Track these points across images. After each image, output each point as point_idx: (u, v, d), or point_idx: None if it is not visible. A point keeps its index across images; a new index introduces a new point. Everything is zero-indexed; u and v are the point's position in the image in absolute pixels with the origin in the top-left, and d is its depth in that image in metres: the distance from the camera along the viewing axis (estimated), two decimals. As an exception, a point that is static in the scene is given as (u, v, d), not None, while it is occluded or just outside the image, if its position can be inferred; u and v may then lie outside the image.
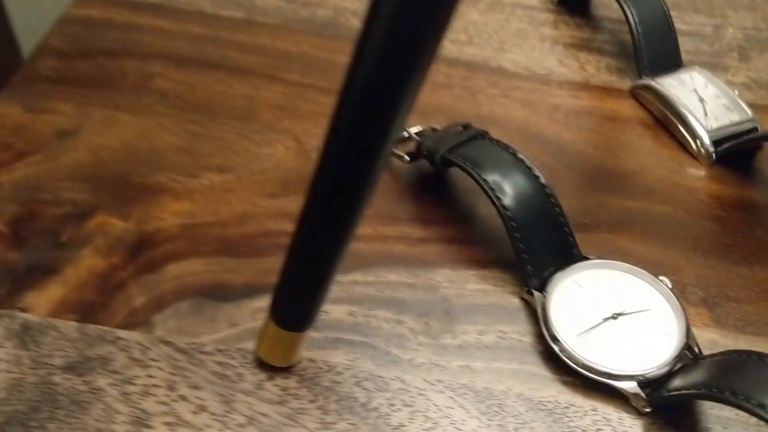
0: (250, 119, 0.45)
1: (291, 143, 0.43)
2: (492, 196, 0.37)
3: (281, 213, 0.40)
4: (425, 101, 0.46)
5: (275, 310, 0.32)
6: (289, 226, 0.39)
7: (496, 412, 0.33)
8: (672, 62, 0.48)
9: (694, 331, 0.36)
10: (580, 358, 0.34)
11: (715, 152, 0.44)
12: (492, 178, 0.37)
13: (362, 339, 0.35)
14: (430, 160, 0.40)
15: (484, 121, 0.45)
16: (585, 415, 0.33)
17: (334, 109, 0.24)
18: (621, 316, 0.36)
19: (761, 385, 0.29)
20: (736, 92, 0.46)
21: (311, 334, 0.35)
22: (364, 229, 0.40)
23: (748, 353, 0.32)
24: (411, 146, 0.43)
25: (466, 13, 0.52)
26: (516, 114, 0.46)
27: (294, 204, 0.39)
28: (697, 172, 0.44)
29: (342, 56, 0.49)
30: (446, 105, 0.46)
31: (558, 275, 0.37)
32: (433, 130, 0.43)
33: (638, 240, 0.40)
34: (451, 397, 0.33)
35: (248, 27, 0.50)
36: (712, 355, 0.34)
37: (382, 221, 0.40)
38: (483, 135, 0.40)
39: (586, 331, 0.35)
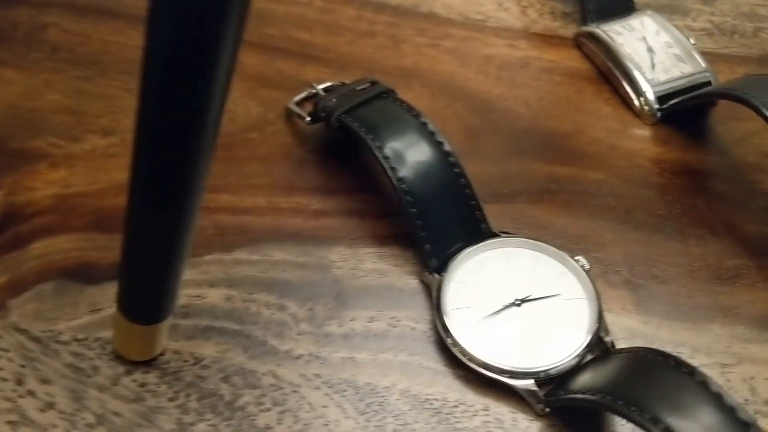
0: (145, 74, 0.40)
1: (187, 102, 0.39)
2: (386, 166, 0.33)
3: (166, 182, 0.36)
4: (343, 51, 0.42)
5: (121, 302, 0.28)
6: (174, 197, 0.36)
7: (375, 411, 0.30)
8: (623, 6, 0.43)
9: (612, 318, 0.32)
10: (470, 351, 0.30)
11: (660, 110, 0.39)
12: (390, 144, 0.33)
13: (237, 327, 0.32)
14: (326, 122, 0.36)
15: (407, 75, 0.41)
16: (475, 415, 0.30)
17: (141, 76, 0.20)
18: (526, 302, 0.32)
19: (660, 395, 0.26)
20: (692, 40, 0.41)
21: (180, 321, 0.32)
22: (256, 199, 0.36)
23: (655, 353, 0.28)
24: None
25: (401, -51, 0.47)
26: (442, 67, 0.42)
27: (182, 171, 0.36)
28: (639, 133, 0.39)
29: (256, 1, 0.44)
30: (366, 56, 0.42)
31: (461, 255, 0.33)
32: (343, 85, 0.39)
33: (561, 211, 0.36)
34: (328, 395, 0.30)
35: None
36: (620, 351, 0.30)
37: (278, 191, 0.36)
38: (387, 94, 0.36)
39: (483, 319, 0.31)
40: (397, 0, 0.45)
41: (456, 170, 0.33)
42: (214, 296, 0.33)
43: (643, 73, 0.39)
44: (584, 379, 0.29)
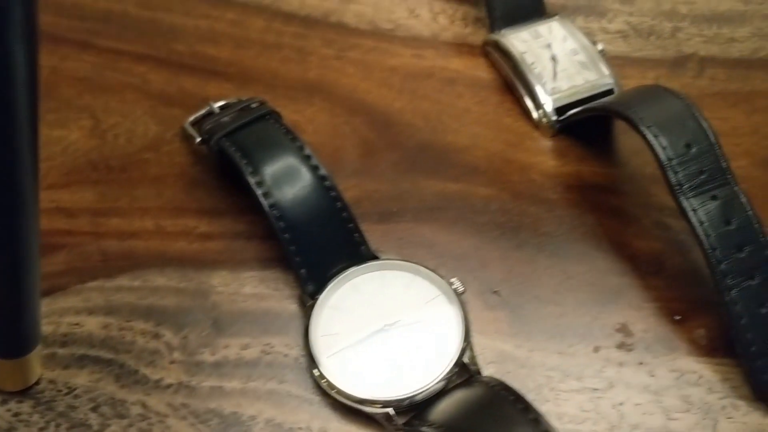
0: (49, 96, 0.41)
1: (87, 122, 0.40)
2: (258, 192, 0.33)
3: (58, 208, 0.37)
4: (248, 65, 0.42)
5: (-18, 339, 0.29)
6: (66, 223, 0.36)
7: (239, 440, 0.30)
8: (532, 11, 0.42)
9: (485, 342, 0.32)
10: (333, 380, 0.30)
11: (558, 121, 0.38)
12: (264, 170, 0.33)
13: (111, 356, 0.32)
14: (207, 145, 0.36)
15: (310, 89, 0.41)
16: (335, 443, 0.30)
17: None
18: (394, 327, 0.32)
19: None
20: (600, 46, 0.40)
21: (57, 350, 0.32)
22: (144, 222, 0.36)
23: (508, 391, 0.28)
24: (211, 125, 0.39)
25: (317, -45, 0.47)
26: (346, 80, 0.41)
27: (76, 196, 0.36)
28: (537, 145, 0.38)
29: (169, 15, 0.44)
30: (271, 70, 0.42)
31: (336, 279, 0.33)
32: (237, 103, 0.39)
33: (447, 230, 0.36)
34: (193, 424, 0.31)
35: (71, -16, 0.45)
36: (481, 380, 0.30)
37: (166, 213, 0.37)
38: (270, 115, 0.36)
39: (351, 346, 0.31)
40: (307, 10, 0.44)
41: (332, 194, 0.33)
42: (93, 324, 0.33)
43: (543, 84, 0.39)
44: (439, 409, 0.29)
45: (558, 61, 0.40)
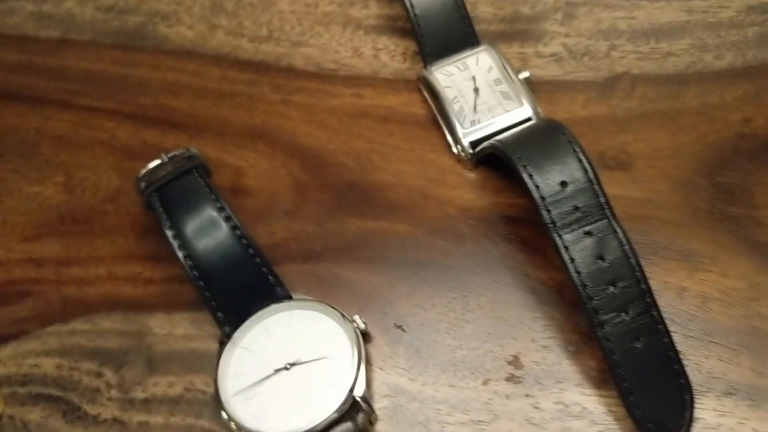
0: (32, 155, 0.46)
1: (60, 178, 0.44)
2: (174, 245, 0.36)
3: (29, 259, 0.41)
4: (202, 115, 0.45)
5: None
6: (34, 273, 0.41)
7: (157, 471, 0.34)
8: (463, 42, 0.43)
9: (382, 376, 0.35)
10: (234, 416, 0.33)
11: (474, 155, 0.39)
12: (182, 223, 0.37)
13: (60, 394, 0.37)
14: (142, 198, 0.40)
15: (255, 135, 0.44)
16: (239, 475, 0.33)
17: None
18: (295, 366, 0.34)
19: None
20: (525, 73, 0.41)
21: (18, 389, 0.37)
22: (98, 270, 0.41)
23: None
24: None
25: (276, 2, 0.49)
26: (288, 123, 0.44)
27: (45, 248, 0.41)
28: (457, 180, 0.40)
29: (140, 70, 0.48)
30: (222, 118, 0.45)
31: (250, 320, 0.36)
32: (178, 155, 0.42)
33: (363, 268, 0.38)
34: (121, 456, 0.35)
35: (59, 48, 0.50)
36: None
37: (117, 261, 0.41)
38: (194, 170, 0.39)
39: (254, 384, 0.34)
40: (261, 56, 0.47)
41: (244, 242, 0.36)
42: (48, 365, 0.38)
43: (463, 117, 0.40)
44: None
45: (480, 94, 0.41)
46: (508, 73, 0.41)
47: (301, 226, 0.40)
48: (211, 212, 0.37)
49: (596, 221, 0.32)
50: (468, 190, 0.39)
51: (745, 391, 0.32)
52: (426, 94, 0.42)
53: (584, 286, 0.31)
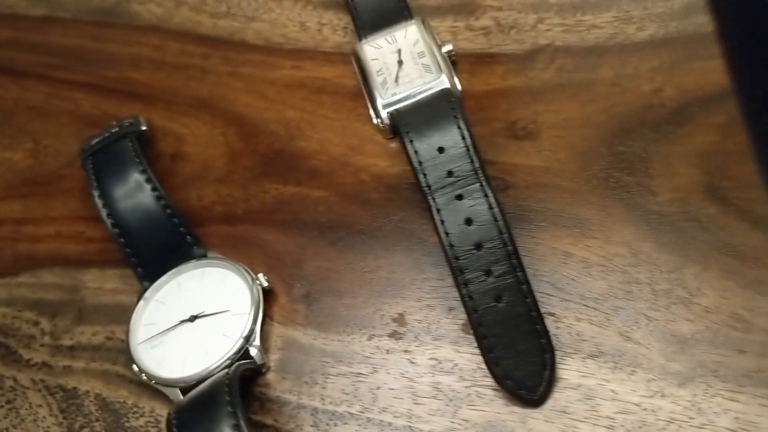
0: (7, 123, 0.50)
1: (29, 144, 0.48)
2: (98, 204, 0.39)
3: (-10, 218, 0.45)
4: (158, 86, 0.48)
5: None
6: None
7: (72, 410, 0.37)
8: (396, 15, 0.44)
9: (280, 330, 0.37)
10: (139, 362, 0.36)
11: (391, 124, 0.41)
12: (108, 185, 0.40)
13: (1, 339, 0.40)
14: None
15: (201, 104, 0.46)
16: (142, 416, 0.36)
17: None
18: (199, 318, 0.37)
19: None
20: (449, 46, 0.42)
21: (-32, 334, 0.41)
22: (49, 229, 0.44)
23: (227, 385, 0.32)
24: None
25: (237, -21, 0.52)
26: (232, 94, 0.46)
27: (8, 208, 0.45)
28: (375, 149, 0.41)
29: (110, 45, 0.51)
30: (174, 89, 0.48)
31: (165, 276, 0.39)
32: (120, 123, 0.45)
33: (278, 230, 0.40)
34: (45, 396, 0.38)
35: (44, 25, 0.54)
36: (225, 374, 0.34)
37: (66, 221, 0.44)
38: (127, 137, 0.42)
39: (160, 334, 0.37)
40: (218, 31, 0.50)
41: (163, 203, 0.39)
42: (-5, 314, 0.41)
43: (385, 89, 0.41)
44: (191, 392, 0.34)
45: (403, 66, 0.42)
46: (432, 46, 0.42)
47: (228, 190, 0.42)
48: (135, 176, 0.40)
49: (468, 186, 0.33)
50: (383, 159, 0.41)
51: (609, 354, 0.32)
52: (355, 66, 0.44)
53: (451, 246, 0.33)
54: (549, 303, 0.34)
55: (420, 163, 0.34)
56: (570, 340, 0.33)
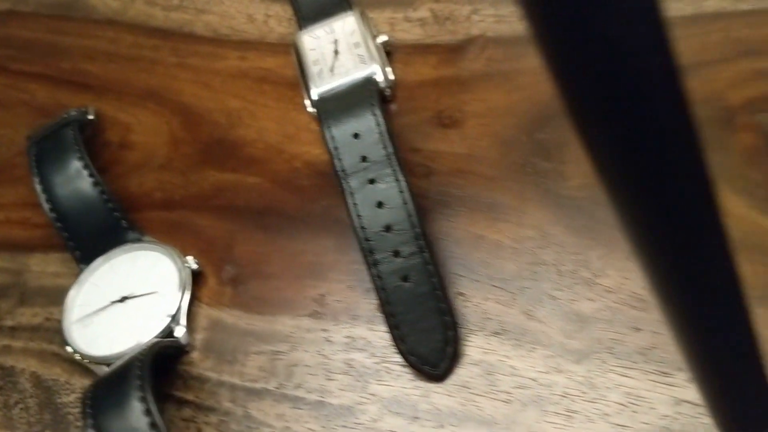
0: (-33, 114, 0.51)
1: (-16, 134, 0.50)
2: (37, 189, 0.41)
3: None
4: (109, 78, 0.50)
5: None
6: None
7: (8, 387, 0.39)
8: (336, 8, 0.45)
9: (207, 311, 0.38)
10: (70, 341, 0.38)
11: (324, 113, 0.42)
12: (48, 171, 0.41)
13: (-49, 320, 0.42)
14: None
15: (148, 94, 0.48)
16: (73, 392, 0.38)
17: None
18: (129, 299, 0.38)
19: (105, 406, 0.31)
20: (384, 37, 0.43)
21: None
22: (-1, 215, 0.45)
23: (139, 368, 0.33)
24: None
25: (190, -27, 0.53)
26: (178, 84, 0.48)
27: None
28: (310, 137, 0.43)
29: (67, 38, 0.53)
30: (125, 80, 0.49)
31: (100, 259, 0.40)
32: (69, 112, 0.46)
33: (211, 215, 0.41)
34: (-16, 373, 0.39)
35: (7, 19, 0.55)
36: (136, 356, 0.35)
37: (16, 207, 0.46)
38: (70, 124, 0.43)
39: (92, 314, 0.38)
40: (169, 23, 0.51)
41: (99, 189, 0.40)
42: (-54, 296, 0.43)
43: (321, 79, 0.43)
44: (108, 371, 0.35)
45: (339, 56, 0.43)
46: (367, 37, 0.43)
47: (168, 177, 0.44)
48: (74, 163, 0.41)
49: (380, 171, 0.34)
50: (316, 146, 0.42)
51: (513, 331, 0.33)
52: (294, 56, 0.45)
53: (363, 228, 0.34)
54: (460, 283, 0.35)
55: (336, 148, 0.35)
56: (476, 318, 0.34)
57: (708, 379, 0.24)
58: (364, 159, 0.35)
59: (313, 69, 0.43)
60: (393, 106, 0.43)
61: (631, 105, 0.15)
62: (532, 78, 0.41)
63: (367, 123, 0.35)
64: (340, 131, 0.35)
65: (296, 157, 0.42)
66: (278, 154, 0.43)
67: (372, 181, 0.34)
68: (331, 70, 0.43)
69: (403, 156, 0.40)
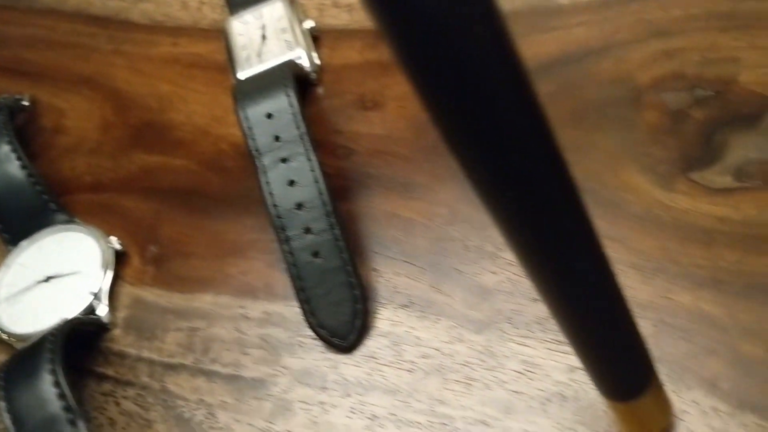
0: None
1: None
2: (-35, 175, 0.41)
3: None
4: (46, 65, 0.50)
5: None
6: None
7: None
8: (264, -7, 0.46)
9: (129, 290, 0.39)
10: (-3, 320, 0.38)
11: (249, 96, 0.43)
12: (-21, 155, 0.42)
13: None
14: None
15: (83, 81, 0.49)
16: None
17: None
18: (54, 278, 0.39)
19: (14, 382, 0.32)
20: (309, 23, 0.44)
21: None
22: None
23: (51, 346, 0.33)
24: None
25: (129, -39, 0.54)
26: (112, 71, 0.48)
27: None
28: (235, 119, 0.43)
29: (9, 27, 0.53)
30: (62, 66, 0.50)
31: (28, 240, 0.41)
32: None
33: (138, 197, 0.42)
34: None
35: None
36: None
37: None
38: (1, 110, 0.44)
39: (17, 294, 0.39)
40: (106, 11, 0.52)
41: (26, 172, 0.41)
42: None
43: (249, 63, 0.43)
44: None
45: (266, 41, 0.44)
46: (294, 22, 0.44)
47: (98, 161, 0.44)
48: (2, 147, 0.42)
49: (293, 150, 0.35)
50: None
51: (419, 304, 0.34)
52: (224, 41, 0.46)
53: (275, 206, 0.35)
54: (373, 259, 0.36)
55: (249, 128, 0.36)
56: (386, 292, 0.35)
57: (583, 346, 0.25)
58: (276, 138, 0.36)
59: (241, 54, 0.44)
60: (319, 90, 0.43)
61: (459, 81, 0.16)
62: (452, 61, 0.42)
63: (281, 103, 0.36)
64: (254, 111, 0.36)
65: (222, 138, 0.43)
66: (205, 136, 0.43)
67: (284, 160, 0.35)
68: (259, 55, 0.44)
69: (326, 138, 0.41)
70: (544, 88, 0.39)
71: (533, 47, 0.40)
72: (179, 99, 0.46)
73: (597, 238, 0.22)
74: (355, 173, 0.39)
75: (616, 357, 0.25)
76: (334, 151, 0.40)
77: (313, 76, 0.43)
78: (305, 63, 0.43)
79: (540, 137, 0.18)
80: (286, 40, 0.44)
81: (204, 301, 0.38)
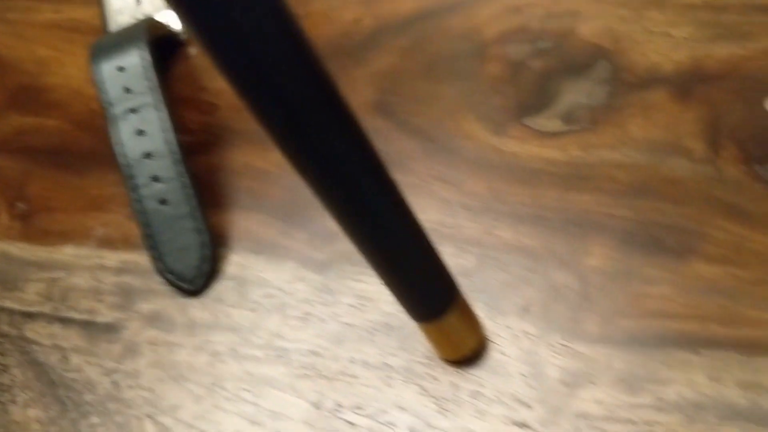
0: None
1: None
2: None
3: None
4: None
5: None
6: None
7: None
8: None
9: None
10: None
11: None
12: None
13: None
14: None
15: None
16: None
17: None
18: None
19: None
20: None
21: None
22: None
23: None
24: None
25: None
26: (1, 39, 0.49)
27: None
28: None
29: None
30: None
31: None
32: None
33: (12, 157, 0.43)
34: None
35: None
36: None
37: None
38: None
39: None
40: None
41: None
42: None
43: (122, 20, 0.44)
44: None
45: (141, 4, 0.45)
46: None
47: (-18, 121, 0.45)
48: None
49: (142, 101, 0.36)
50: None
51: (268, 248, 0.36)
52: (99, 6, 0.47)
53: (125, 156, 0.36)
54: (227, 208, 0.37)
55: (102, 81, 0.37)
56: (237, 238, 0.36)
57: (382, 270, 0.26)
58: (127, 90, 0.37)
59: (117, 18, 0.45)
60: (191, 50, 0.44)
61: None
62: (318, 19, 0.43)
63: (132, 58, 0.37)
64: (107, 65, 0.37)
65: (94, 99, 0.44)
66: (79, 97, 0.44)
67: (133, 110, 0.36)
68: (134, 17, 0.45)
69: (192, 94, 0.42)
70: (400, 43, 0.40)
71: (394, 3, 0.42)
72: (57, 63, 0.46)
73: (383, 167, 0.23)
74: (217, 128, 0.40)
75: (415, 277, 0.27)
76: (199, 106, 0.42)
77: (183, 36, 0.44)
78: (177, 24, 0.44)
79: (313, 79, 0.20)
80: (160, 2, 0.45)
81: (65, 253, 0.39)
